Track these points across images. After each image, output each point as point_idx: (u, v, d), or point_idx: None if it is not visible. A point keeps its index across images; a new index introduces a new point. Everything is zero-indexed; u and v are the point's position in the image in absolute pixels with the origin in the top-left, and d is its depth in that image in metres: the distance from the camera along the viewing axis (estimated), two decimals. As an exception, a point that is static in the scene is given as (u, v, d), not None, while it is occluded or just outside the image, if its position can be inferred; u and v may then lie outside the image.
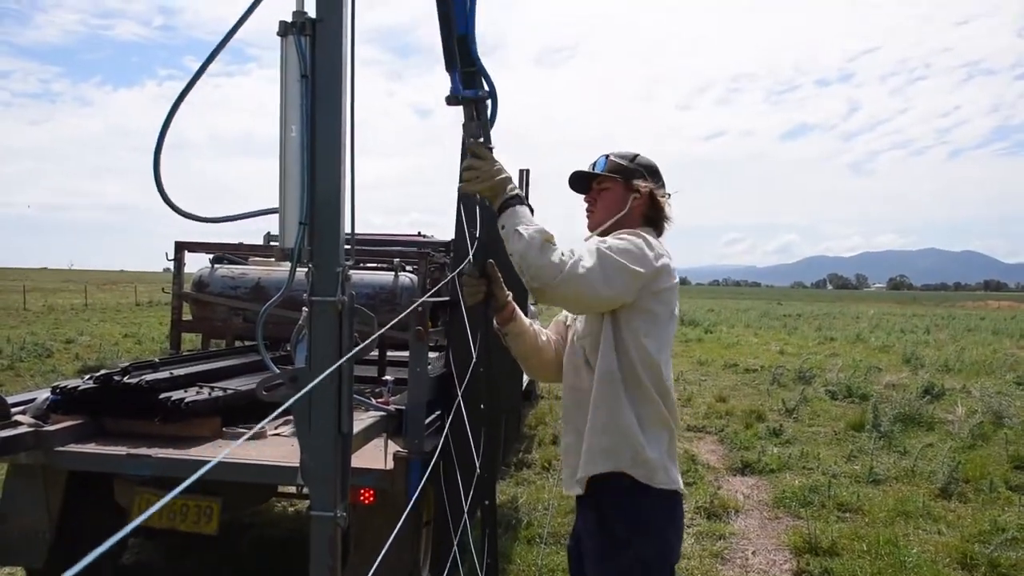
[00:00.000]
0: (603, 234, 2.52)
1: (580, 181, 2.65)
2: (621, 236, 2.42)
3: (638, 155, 2.63)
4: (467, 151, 2.37)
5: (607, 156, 2.62)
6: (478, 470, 3.26)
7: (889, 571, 5.01)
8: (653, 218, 2.58)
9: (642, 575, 2.40)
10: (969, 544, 5.48)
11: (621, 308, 2.39)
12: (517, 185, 2.37)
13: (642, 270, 2.33)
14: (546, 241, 2.25)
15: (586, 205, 2.66)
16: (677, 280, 2.50)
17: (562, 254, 2.25)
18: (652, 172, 2.60)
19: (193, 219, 1.89)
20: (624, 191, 2.56)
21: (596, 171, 2.60)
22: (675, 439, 2.53)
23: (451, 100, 2.26)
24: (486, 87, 2.29)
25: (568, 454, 2.59)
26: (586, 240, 2.55)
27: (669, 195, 2.62)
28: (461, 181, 2.38)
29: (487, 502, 2.92)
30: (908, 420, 9.93)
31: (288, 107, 1.66)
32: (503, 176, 2.33)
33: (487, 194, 2.35)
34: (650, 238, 2.46)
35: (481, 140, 2.34)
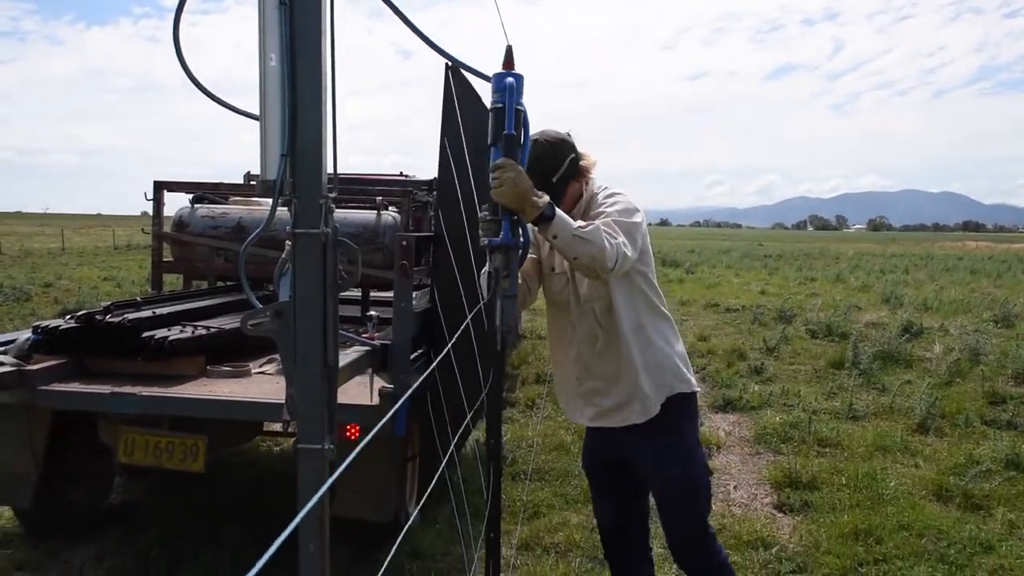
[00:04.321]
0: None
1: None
2: (612, 199, 2.73)
3: (549, 144, 2.75)
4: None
5: (551, 179, 2.72)
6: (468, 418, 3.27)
7: (867, 503, 5.11)
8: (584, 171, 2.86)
9: (698, 454, 2.95)
10: (945, 476, 5.58)
11: None
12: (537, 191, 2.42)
13: (640, 220, 2.68)
14: (603, 231, 2.47)
15: None
16: None
17: (605, 240, 2.46)
18: (570, 146, 2.80)
19: (201, 89, 1.86)
20: (578, 185, 2.84)
21: (558, 200, 2.67)
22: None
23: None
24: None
25: (596, 395, 2.92)
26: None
27: (568, 136, 2.82)
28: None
29: (492, 441, 2.93)
30: (887, 358, 10.03)
31: (267, 35, 1.61)
32: (525, 186, 2.34)
33: (515, 207, 2.36)
34: (617, 189, 2.80)
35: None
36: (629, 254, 2.55)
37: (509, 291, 2.38)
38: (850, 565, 4.19)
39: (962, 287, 22.67)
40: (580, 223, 2.50)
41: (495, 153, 2.36)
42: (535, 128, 2.63)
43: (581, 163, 2.82)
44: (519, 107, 2.34)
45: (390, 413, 2.41)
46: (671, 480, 2.89)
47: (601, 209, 2.69)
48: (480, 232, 2.40)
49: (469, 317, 3.76)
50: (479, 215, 2.41)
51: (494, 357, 2.84)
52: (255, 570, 0.87)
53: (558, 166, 2.74)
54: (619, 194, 2.75)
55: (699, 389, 3.00)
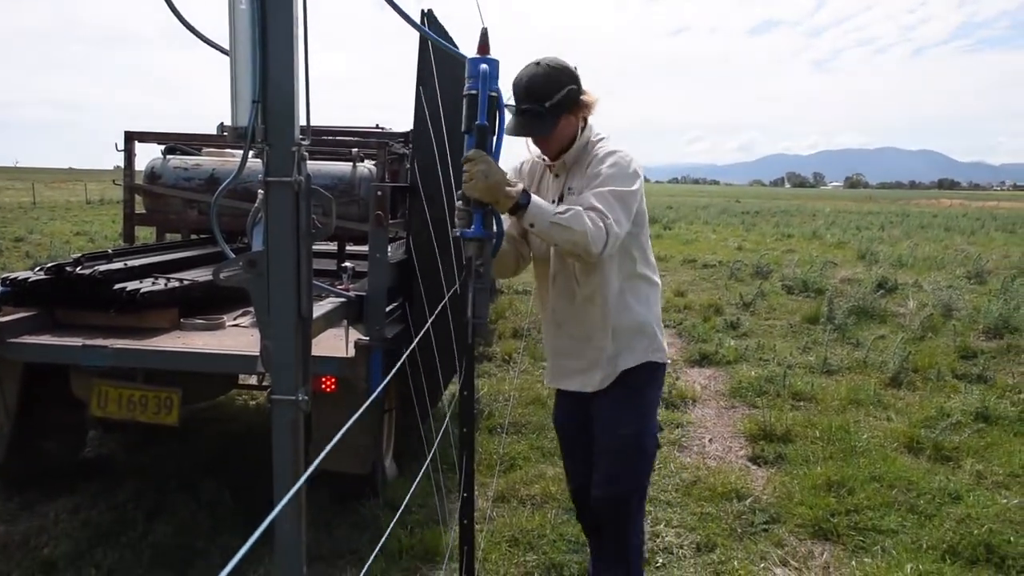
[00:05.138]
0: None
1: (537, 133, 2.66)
2: (611, 160, 2.58)
3: (550, 69, 2.56)
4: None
5: (543, 104, 2.55)
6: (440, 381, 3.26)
7: (840, 455, 5.17)
8: (586, 113, 2.71)
9: (653, 423, 2.87)
10: (916, 429, 5.66)
11: None
12: (511, 177, 2.41)
13: (638, 186, 2.59)
14: (587, 215, 2.39)
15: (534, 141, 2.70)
16: None
17: (598, 219, 2.40)
18: (572, 77, 2.60)
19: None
20: (574, 120, 2.66)
21: (547, 128, 2.60)
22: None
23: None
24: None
25: (562, 355, 2.90)
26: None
27: (570, 66, 2.63)
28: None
29: (465, 429, 2.92)
30: (862, 313, 10.13)
31: (236, -23, 1.57)
32: (496, 178, 2.32)
33: (487, 199, 2.36)
34: (616, 145, 2.64)
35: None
36: (621, 232, 2.47)
37: (482, 282, 2.38)
38: (822, 516, 4.25)
39: (936, 244, 22.92)
40: (560, 208, 2.42)
41: (469, 141, 2.34)
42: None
43: (582, 97, 2.64)
44: (493, 93, 2.32)
45: (402, 357, 2.40)
46: (623, 437, 2.83)
47: (598, 169, 2.57)
48: (456, 220, 2.40)
49: (449, 300, 3.74)
50: (456, 203, 2.41)
51: (465, 350, 2.82)
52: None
53: (552, 92, 2.56)
54: (617, 152, 2.61)
55: (669, 360, 2.95)
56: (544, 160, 2.77)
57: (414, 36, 3.69)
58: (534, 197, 2.40)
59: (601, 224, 2.39)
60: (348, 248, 5.79)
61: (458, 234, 2.40)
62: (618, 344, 2.76)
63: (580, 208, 2.42)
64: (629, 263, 2.74)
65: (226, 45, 1.58)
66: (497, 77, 2.33)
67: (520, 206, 2.36)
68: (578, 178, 2.65)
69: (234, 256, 1.69)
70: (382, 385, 1.93)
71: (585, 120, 2.71)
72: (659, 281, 2.91)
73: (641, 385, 2.82)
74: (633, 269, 2.76)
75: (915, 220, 38.57)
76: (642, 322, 2.78)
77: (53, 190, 52.62)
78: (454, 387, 5.44)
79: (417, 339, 2.92)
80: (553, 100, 2.55)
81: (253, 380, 4.84)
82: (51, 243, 17.12)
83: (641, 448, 2.85)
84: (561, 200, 2.68)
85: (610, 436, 2.85)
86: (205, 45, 1.84)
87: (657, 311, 2.88)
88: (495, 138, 2.38)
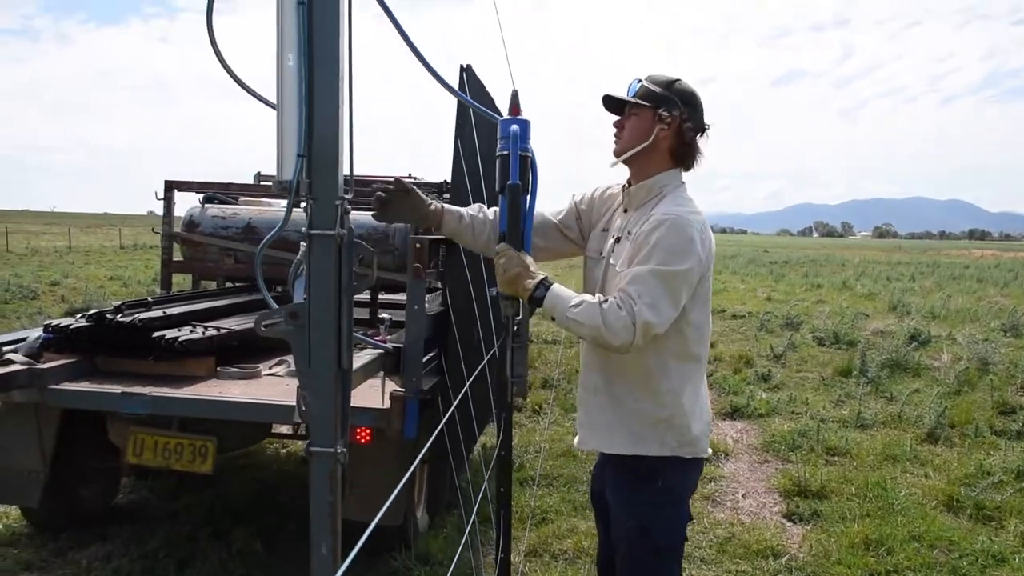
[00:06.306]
0: (627, 162, 2.50)
1: (614, 102, 2.51)
2: (662, 228, 2.28)
3: (677, 81, 2.45)
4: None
5: (641, 80, 2.46)
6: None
7: (877, 513, 5.07)
8: (681, 155, 2.48)
9: (669, 511, 2.52)
10: (955, 487, 5.54)
11: None
12: (533, 270, 2.35)
13: (693, 265, 2.30)
14: (601, 308, 2.23)
15: (614, 129, 2.52)
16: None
17: (619, 307, 2.21)
18: (688, 101, 2.43)
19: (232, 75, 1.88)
20: (652, 121, 2.42)
21: (626, 96, 2.46)
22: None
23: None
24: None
25: (581, 405, 2.65)
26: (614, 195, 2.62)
27: (707, 127, 2.49)
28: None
29: (503, 488, 2.85)
30: (895, 366, 10.00)
31: (284, 35, 1.60)
32: (514, 272, 2.33)
33: (511, 294, 2.37)
34: (686, 213, 2.33)
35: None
36: (657, 319, 2.22)
37: (520, 340, 2.39)
38: None
39: (969, 295, 22.62)
40: (575, 301, 2.26)
41: (502, 201, 2.38)
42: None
43: (682, 125, 2.43)
44: (525, 152, 2.34)
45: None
46: (629, 532, 2.52)
47: (649, 239, 2.29)
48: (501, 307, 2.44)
49: (484, 352, 3.74)
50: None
51: (503, 407, 2.79)
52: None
53: (654, 83, 2.43)
54: (673, 217, 2.30)
55: (706, 455, 2.56)
56: (623, 188, 2.58)
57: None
58: (552, 289, 2.29)
59: (624, 314, 2.20)
60: (380, 297, 5.82)
61: (494, 293, 2.43)
62: (634, 424, 2.48)
63: (594, 300, 2.26)
64: (679, 344, 2.43)
65: (272, 99, 1.62)
66: (528, 137, 2.35)
67: (535, 300, 2.30)
68: (638, 225, 2.39)
69: (276, 307, 1.71)
70: (428, 444, 1.92)
71: (675, 164, 2.49)
72: (702, 352, 2.53)
73: (654, 473, 2.48)
74: (671, 348, 2.42)
75: (946, 271, 38.16)
76: (675, 412, 2.45)
77: (88, 235, 53.55)
78: (485, 438, 5.42)
79: (457, 399, 2.90)
80: (647, 88, 2.43)
81: (286, 429, 4.84)
82: (86, 287, 17.39)
83: (652, 545, 2.50)
84: (618, 242, 2.48)
85: (617, 527, 2.58)
86: (240, 95, 1.89)
87: (700, 404, 2.53)
88: (528, 196, 2.39)
